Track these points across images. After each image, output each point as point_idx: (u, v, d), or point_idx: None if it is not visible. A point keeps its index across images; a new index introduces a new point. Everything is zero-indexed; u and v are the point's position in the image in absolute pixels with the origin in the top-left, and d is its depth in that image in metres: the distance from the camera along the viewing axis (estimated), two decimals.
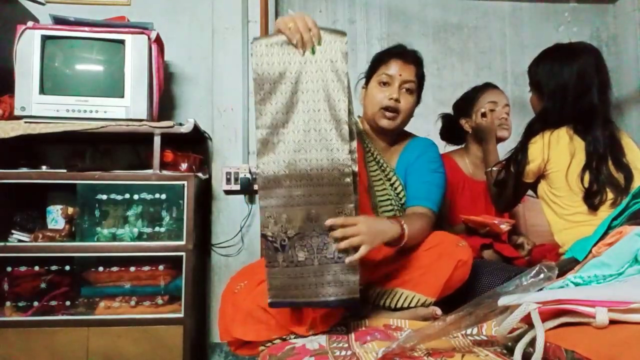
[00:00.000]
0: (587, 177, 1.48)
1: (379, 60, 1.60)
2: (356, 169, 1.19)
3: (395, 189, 1.57)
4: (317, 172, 1.16)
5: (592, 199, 1.47)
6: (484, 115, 1.87)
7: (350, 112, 1.20)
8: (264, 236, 1.18)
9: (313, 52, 1.19)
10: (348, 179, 1.15)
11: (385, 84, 1.55)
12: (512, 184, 1.64)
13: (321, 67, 1.18)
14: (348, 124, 1.17)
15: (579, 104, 1.54)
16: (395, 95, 1.53)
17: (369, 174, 1.57)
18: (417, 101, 1.62)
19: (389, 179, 1.58)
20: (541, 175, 1.60)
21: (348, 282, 1.17)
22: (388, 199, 1.55)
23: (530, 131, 1.61)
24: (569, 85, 1.55)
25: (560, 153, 1.53)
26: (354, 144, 1.20)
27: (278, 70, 1.18)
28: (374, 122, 1.58)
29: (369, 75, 1.62)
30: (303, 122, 1.17)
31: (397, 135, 1.64)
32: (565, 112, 1.56)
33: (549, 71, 1.60)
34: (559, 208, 1.55)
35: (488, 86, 1.99)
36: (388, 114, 1.54)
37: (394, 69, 1.55)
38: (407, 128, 2.57)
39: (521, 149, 1.59)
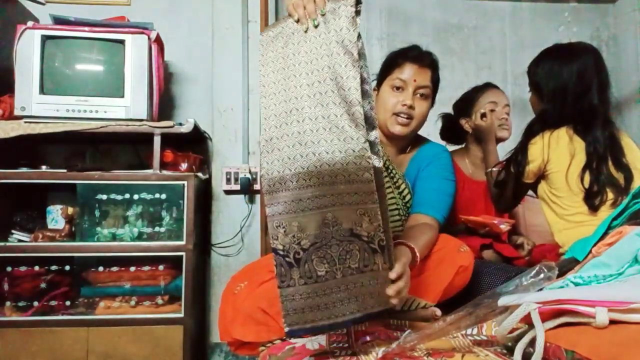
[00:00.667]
0: (587, 177, 1.48)
1: (393, 63, 1.52)
2: (379, 164, 1.01)
3: (404, 197, 1.51)
4: (328, 168, 0.95)
5: (592, 200, 1.47)
6: (483, 115, 1.86)
7: (365, 94, 1.00)
8: (274, 250, 0.98)
9: (315, 24, 1.00)
10: (367, 174, 0.96)
11: (398, 88, 1.48)
12: (512, 184, 1.64)
13: (326, 40, 0.98)
14: (363, 106, 0.97)
15: (579, 105, 1.54)
16: (409, 102, 1.46)
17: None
18: (431, 105, 1.57)
19: (398, 187, 1.51)
20: (541, 176, 1.60)
21: (380, 293, 1.00)
22: (396, 209, 1.49)
23: (530, 132, 1.61)
24: (569, 86, 1.55)
25: (560, 153, 1.53)
26: (375, 133, 1.03)
27: (281, 56, 1.02)
28: (386, 127, 1.51)
29: (381, 77, 1.55)
30: (309, 109, 0.97)
31: (410, 141, 1.58)
32: (565, 112, 1.55)
33: (549, 71, 1.60)
34: (559, 208, 1.55)
35: (488, 86, 1.99)
36: (401, 119, 1.48)
37: (408, 73, 1.48)
38: None
39: (521, 150, 1.59)
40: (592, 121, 1.52)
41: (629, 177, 1.48)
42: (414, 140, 1.61)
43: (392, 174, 1.52)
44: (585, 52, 1.59)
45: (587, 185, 1.48)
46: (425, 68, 1.50)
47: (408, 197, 1.52)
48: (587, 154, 1.50)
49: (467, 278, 1.39)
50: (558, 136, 1.54)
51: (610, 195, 1.47)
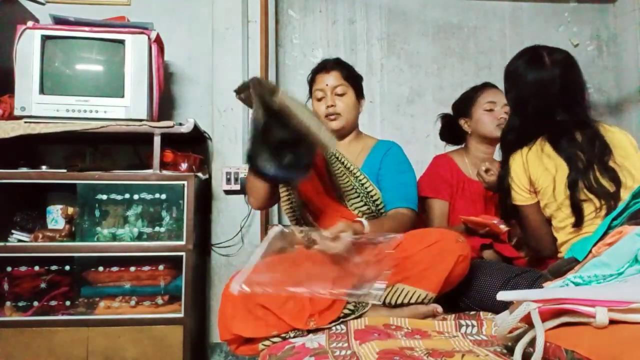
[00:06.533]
0: (572, 193, 1.41)
1: (310, 82, 1.78)
2: None
3: (360, 181, 1.67)
4: None
5: (579, 219, 1.41)
6: (488, 170, 1.74)
7: None
8: None
9: None
10: None
11: (320, 99, 1.73)
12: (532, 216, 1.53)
13: None
14: None
15: (542, 120, 1.47)
16: (330, 103, 1.70)
17: (333, 173, 1.70)
18: (358, 98, 1.76)
19: (353, 174, 1.67)
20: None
21: None
22: (353, 189, 1.66)
23: (505, 148, 1.55)
24: (529, 99, 1.47)
25: (542, 172, 1.46)
26: None
27: None
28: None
29: (310, 96, 1.80)
30: None
31: (353, 137, 1.78)
32: (528, 126, 1.48)
33: (515, 78, 1.54)
34: (556, 222, 1.49)
35: (487, 86, 1.98)
36: (330, 117, 1.71)
37: (321, 82, 1.72)
38: (407, 127, 2.56)
39: (505, 175, 1.53)
40: (560, 136, 1.43)
41: (616, 181, 1.39)
42: (363, 138, 1.80)
43: (346, 165, 1.68)
44: (554, 64, 1.48)
45: (572, 202, 1.41)
46: (332, 71, 1.72)
47: (364, 180, 1.65)
48: (569, 170, 1.41)
49: (467, 267, 1.46)
50: (535, 153, 1.46)
51: (602, 202, 1.39)
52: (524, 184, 1.50)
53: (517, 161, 1.50)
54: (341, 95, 1.71)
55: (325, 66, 1.74)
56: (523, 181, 1.50)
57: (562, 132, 1.45)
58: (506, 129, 1.59)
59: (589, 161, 1.41)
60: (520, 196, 1.51)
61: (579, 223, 1.42)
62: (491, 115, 1.90)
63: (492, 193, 1.84)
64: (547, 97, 1.46)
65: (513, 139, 1.53)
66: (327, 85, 1.71)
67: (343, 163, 1.69)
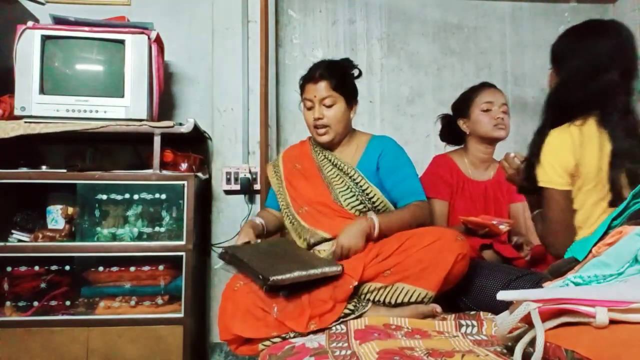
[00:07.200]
0: (613, 166, 1.27)
1: (301, 88, 1.75)
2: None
3: (355, 180, 1.67)
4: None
5: (615, 196, 1.26)
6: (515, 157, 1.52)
7: None
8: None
9: None
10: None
11: (309, 108, 1.70)
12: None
13: None
14: None
15: (592, 86, 1.32)
16: (317, 115, 1.68)
17: (325, 175, 1.73)
18: (351, 104, 1.73)
19: (348, 174, 1.69)
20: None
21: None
22: (348, 188, 1.67)
23: (550, 111, 1.37)
24: (583, 64, 1.34)
25: (593, 154, 1.30)
26: None
27: None
28: (315, 139, 1.76)
29: (301, 100, 1.76)
30: None
31: (346, 139, 1.77)
32: (576, 94, 1.33)
33: (567, 45, 1.42)
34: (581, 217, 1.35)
35: (484, 86, 1.98)
36: (319, 130, 1.70)
37: (309, 92, 1.69)
38: (407, 127, 2.57)
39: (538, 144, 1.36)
40: (610, 110, 1.29)
41: None
42: (357, 137, 1.78)
43: (340, 166, 1.71)
44: (610, 33, 1.35)
45: (611, 177, 1.26)
46: (320, 81, 1.67)
47: (360, 180, 1.67)
48: (612, 152, 1.26)
49: (466, 266, 1.46)
50: (588, 135, 1.30)
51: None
52: (566, 167, 1.31)
53: (562, 139, 1.32)
54: (330, 106, 1.67)
55: (314, 75, 1.68)
56: (568, 163, 1.31)
57: (612, 107, 1.30)
58: (552, 89, 1.42)
59: (634, 150, 1.28)
60: (559, 179, 1.32)
61: (615, 202, 1.24)
62: (488, 115, 1.90)
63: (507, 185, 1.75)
64: (601, 63, 1.32)
65: (556, 100, 1.37)
66: (315, 96, 1.67)
67: (336, 165, 1.71)
